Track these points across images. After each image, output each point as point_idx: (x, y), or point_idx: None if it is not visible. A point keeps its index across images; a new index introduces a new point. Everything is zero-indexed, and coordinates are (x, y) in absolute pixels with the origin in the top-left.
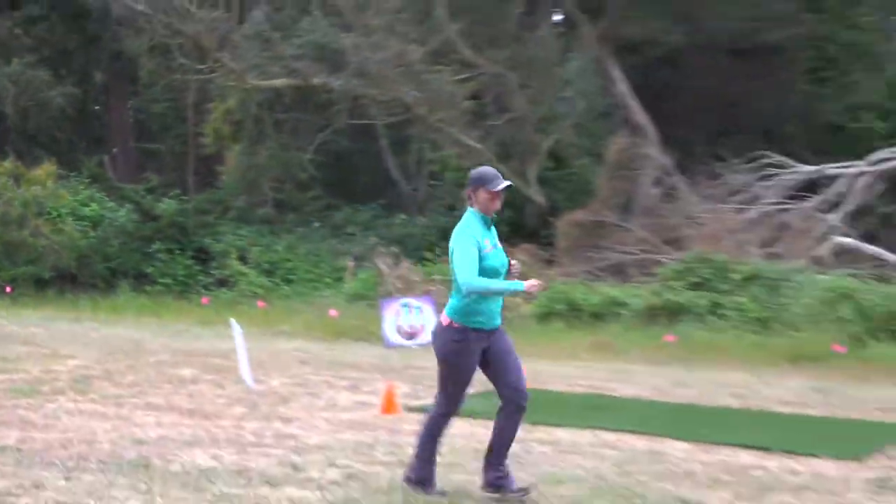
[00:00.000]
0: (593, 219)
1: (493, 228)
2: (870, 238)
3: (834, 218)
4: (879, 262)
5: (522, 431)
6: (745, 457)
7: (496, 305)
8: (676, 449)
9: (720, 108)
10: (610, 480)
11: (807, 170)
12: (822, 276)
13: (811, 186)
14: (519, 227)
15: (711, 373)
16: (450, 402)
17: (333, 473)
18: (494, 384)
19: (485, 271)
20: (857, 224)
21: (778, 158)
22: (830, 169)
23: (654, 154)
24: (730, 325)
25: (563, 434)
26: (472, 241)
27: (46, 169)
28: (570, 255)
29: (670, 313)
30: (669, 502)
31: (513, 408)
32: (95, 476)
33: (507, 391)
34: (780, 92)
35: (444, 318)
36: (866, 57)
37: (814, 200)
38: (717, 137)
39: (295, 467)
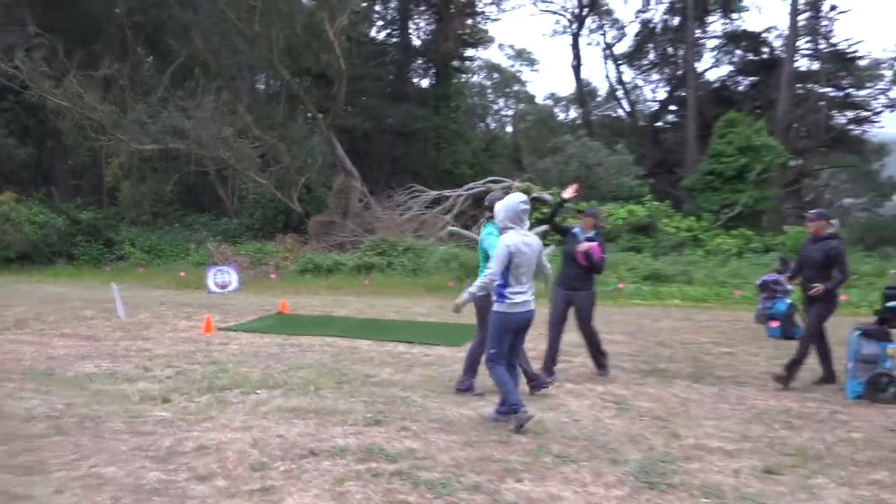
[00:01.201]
0: (328, 219)
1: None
2: (466, 227)
3: (448, 217)
4: (470, 240)
5: (281, 339)
6: (401, 347)
7: None
8: (364, 345)
9: (391, 161)
10: (329, 366)
11: (435, 193)
12: (442, 247)
13: (437, 201)
14: (288, 224)
15: (386, 300)
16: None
17: (169, 372)
18: None
19: None
20: (459, 220)
21: (420, 187)
22: (446, 192)
23: (358, 185)
24: (397, 274)
25: (304, 339)
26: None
27: (10, 195)
28: (315, 238)
29: (367, 268)
30: (359, 376)
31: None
32: (16, 383)
33: None
34: (421, 154)
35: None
36: (461, 137)
37: (438, 209)
38: (390, 177)
39: (146, 369)
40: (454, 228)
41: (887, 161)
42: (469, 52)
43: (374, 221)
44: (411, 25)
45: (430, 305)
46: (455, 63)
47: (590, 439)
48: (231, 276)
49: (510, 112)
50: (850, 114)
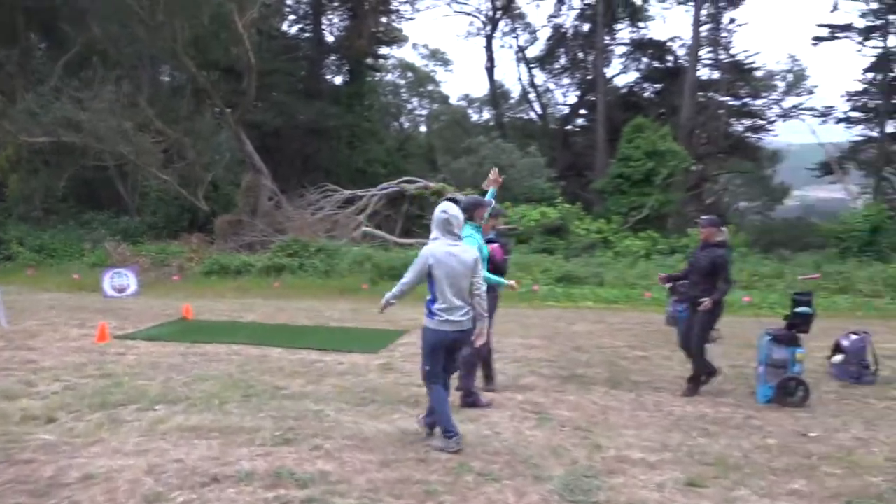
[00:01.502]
0: (235, 218)
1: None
2: (379, 227)
3: (362, 217)
4: (384, 241)
5: (184, 347)
6: (313, 355)
7: None
8: (274, 353)
9: (303, 159)
10: (235, 377)
11: (348, 193)
12: (356, 248)
13: (350, 201)
14: (193, 223)
15: (297, 303)
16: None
17: (56, 386)
18: None
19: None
20: (373, 220)
21: (333, 186)
22: (360, 192)
23: (268, 183)
24: (309, 275)
25: (209, 348)
26: (476, 242)
27: None
28: (223, 238)
29: (277, 270)
30: (269, 388)
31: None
32: None
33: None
34: (333, 152)
35: None
36: (374, 136)
37: (351, 208)
38: (302, 175)
39: (29, 384)
40: (368, 229)
41: (779, 167)
42: (383, 51)
43: (285, 221)
44: (324, 21)
45: (344, 308)
46: (369, 61)
47: (511, 453)
48: (129, 279)
49: (424, 112)
50: (747, 122)
